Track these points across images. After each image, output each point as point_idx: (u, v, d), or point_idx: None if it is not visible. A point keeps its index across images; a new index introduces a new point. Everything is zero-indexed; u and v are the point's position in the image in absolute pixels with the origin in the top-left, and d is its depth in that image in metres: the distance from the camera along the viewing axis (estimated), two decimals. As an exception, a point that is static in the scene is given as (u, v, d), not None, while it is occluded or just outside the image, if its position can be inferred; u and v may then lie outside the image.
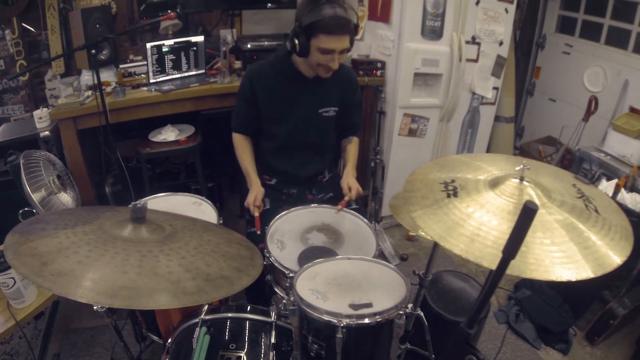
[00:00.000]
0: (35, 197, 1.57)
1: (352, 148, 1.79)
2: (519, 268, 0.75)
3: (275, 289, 1.36)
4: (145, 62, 2.25)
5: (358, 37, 2.51)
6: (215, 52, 2.54)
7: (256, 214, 1.55)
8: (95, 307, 1.11)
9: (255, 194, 1.59)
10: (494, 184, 0.93)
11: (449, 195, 0.93)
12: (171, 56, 2.33)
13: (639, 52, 2.49)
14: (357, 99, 1.78)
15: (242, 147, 1.73)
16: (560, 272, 0.75)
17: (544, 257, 0.77)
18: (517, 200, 0.87)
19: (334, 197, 1.76)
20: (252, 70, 1.67)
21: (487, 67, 2.52)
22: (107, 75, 2.32)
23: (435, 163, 1.11)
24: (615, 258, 0.79)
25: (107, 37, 1.93)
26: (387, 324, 1.09)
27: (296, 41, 1.47)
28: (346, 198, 1.55)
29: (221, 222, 1.48)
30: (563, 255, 0.78)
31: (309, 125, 1.68)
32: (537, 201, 0.87)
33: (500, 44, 2.49)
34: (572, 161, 2.50)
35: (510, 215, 0.84)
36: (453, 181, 0.97)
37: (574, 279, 0.74)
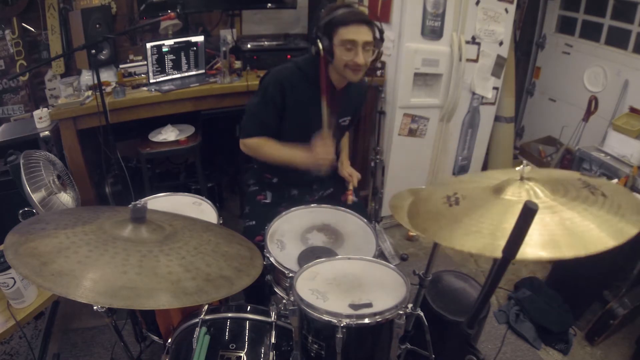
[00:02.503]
0: (35, 197, 1.57)
1: (344, 141, 1.83)
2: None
3: (275, 289, 1.36)
4: (145, 62, 2.25)
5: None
6: (215, 52, 2.54)
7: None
8: (95, 307, 1.11)
9: (319, 155, 1.46)
10: (497, 189, 0.93)
11: (450, 205, 0.93)
12: (171, 56, 2.33)
13: (639, 52, 2.49)
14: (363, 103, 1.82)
15: (269, 143, 1.57)
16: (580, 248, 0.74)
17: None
18: (519, 198, 0.87)
19: (334, 192, 1.77)
20: (282, 75, 1.55)
21: (487, 67, 2.52)
22: (107, 75, 2.32)
23: (438, 184, 1.11)
24: (630, 229, 0.77)
25: (107, 37, 1.94)
26: (387, 324, 1.09)
27: (320, 45, 1.43)
28: (350, 187, 1.57)
29: (221, 222, 1.48)
30: (586, 228, 0.77)
31: None
32: (541, 195, 0.87)
33: (500, 44, 2.48)
34: (572, 161, 2.50)
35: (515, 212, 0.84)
36: (455, 193, 0.97)
37: (595, 252, 0.73)
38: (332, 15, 1.42)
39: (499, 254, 0.72)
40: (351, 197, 1.57)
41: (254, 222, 1.62)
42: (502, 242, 0.71)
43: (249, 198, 1.77)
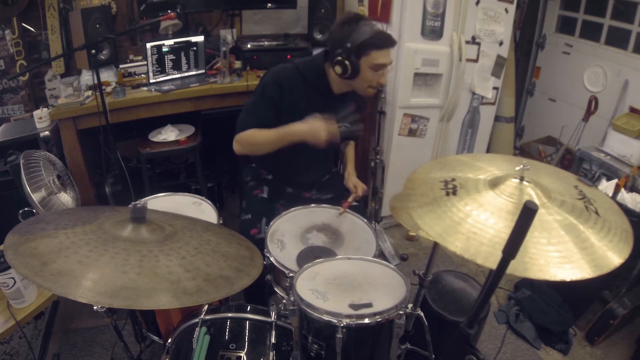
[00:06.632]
0: (35, 197, 1.57)
1: (350, 151, 1.82)
2: (512, 266, 0.74)
3: (275, 289, 1.36)
4: (145, 62, 2.26)
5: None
6: (215, 52, 2.54)
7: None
8: (95, 307, 1.11)
9: (318, 124, 1.39)
10: (494, 183, 0.93)
11: (447, 194, 0.93)
12: (171, 56, 2.33)
13: (639, 52, 2.49)
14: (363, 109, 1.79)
15: (262, 130, 1.50)
16: (554, 272, 0.75)
17: (539, 257, 0.77)
18: (516, 200, 0.87)
19: (334, 197, 1.76)
20: (281, 74, 1.54)
21: (487, 67, 2.52)
22: (107, 75, 2.32)
23: (437, 162, 1.11)
24: (613, 259, 0.78)
25: (107, 37, 1.95)
26: (387, 324, 1.09)
27: (347, 63, 1.43)
28: (350, 199, 1.55)
29: (221, 222, 1.48)
30: (560, 255, 0.77)
31: None
32: (537, 201, 0.87)
33: (500, 44, 2.48)
34: (572, 161, 2.50)
35: (509, 215, 0.84)
36: (453, 180, 0.97)
37: (568, 279, 0.74)
38: (365, 36, 1.40)
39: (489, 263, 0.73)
40: (343, 210, 1.53)
41: (249, 216, 1.62)
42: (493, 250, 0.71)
43: (245, 193, 1.77)
